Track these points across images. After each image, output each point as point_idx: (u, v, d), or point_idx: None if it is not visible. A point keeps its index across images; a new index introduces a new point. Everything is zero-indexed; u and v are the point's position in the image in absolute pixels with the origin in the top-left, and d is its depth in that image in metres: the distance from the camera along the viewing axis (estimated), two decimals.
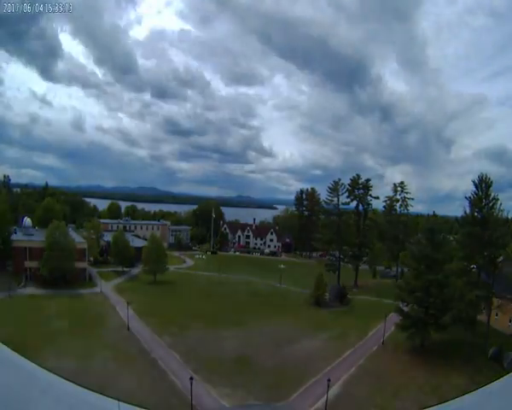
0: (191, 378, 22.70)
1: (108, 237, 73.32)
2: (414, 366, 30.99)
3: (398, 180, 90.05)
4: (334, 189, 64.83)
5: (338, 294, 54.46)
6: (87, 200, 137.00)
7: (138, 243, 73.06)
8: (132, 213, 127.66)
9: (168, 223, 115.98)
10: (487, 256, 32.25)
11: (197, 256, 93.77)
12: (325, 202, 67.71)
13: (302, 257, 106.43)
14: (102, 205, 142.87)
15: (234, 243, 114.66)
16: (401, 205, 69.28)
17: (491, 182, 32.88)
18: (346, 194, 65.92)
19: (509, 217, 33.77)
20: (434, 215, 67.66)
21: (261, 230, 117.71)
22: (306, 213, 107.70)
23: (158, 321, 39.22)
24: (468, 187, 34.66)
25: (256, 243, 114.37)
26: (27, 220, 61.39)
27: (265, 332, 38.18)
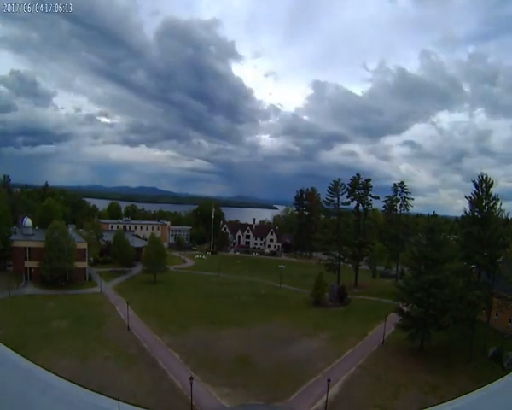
0: (191, 378, 22.69)
1: (108, 237, 73.35)
2: (414, 366, 30.96)
3: None
4: (334, 189, 64.74)
5: (338, 294, 54.44)
6: (87, 200, 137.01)
7: (138, 243, 73.20)
8: (132, 213, 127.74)
9: (168, 223, 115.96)
10: (487, 256, 32.15)
11: (197, 256, 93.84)
12: (325, 201, 67.63)
13: (302, 257, 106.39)
14: (102, 205, 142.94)
15: (234, 243, 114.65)
16: (401, 205, 69.24)
17: (492, 182, 32.77)
18: (346, 194, 65.85)
19: (509, 217, 33.72)
20: (434, 215, 67.87)
21: (261, 230, 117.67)
22: (306, 213, 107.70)
23: (158, 321, 39.23)
24: None
25: (256, 243, 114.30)
26: (27, 220, 61.30)
27: (265, 332, 38.19)
